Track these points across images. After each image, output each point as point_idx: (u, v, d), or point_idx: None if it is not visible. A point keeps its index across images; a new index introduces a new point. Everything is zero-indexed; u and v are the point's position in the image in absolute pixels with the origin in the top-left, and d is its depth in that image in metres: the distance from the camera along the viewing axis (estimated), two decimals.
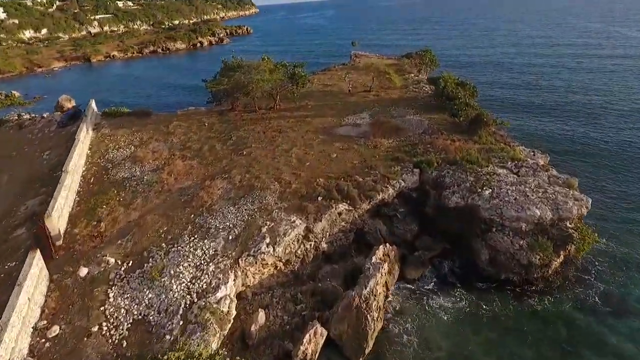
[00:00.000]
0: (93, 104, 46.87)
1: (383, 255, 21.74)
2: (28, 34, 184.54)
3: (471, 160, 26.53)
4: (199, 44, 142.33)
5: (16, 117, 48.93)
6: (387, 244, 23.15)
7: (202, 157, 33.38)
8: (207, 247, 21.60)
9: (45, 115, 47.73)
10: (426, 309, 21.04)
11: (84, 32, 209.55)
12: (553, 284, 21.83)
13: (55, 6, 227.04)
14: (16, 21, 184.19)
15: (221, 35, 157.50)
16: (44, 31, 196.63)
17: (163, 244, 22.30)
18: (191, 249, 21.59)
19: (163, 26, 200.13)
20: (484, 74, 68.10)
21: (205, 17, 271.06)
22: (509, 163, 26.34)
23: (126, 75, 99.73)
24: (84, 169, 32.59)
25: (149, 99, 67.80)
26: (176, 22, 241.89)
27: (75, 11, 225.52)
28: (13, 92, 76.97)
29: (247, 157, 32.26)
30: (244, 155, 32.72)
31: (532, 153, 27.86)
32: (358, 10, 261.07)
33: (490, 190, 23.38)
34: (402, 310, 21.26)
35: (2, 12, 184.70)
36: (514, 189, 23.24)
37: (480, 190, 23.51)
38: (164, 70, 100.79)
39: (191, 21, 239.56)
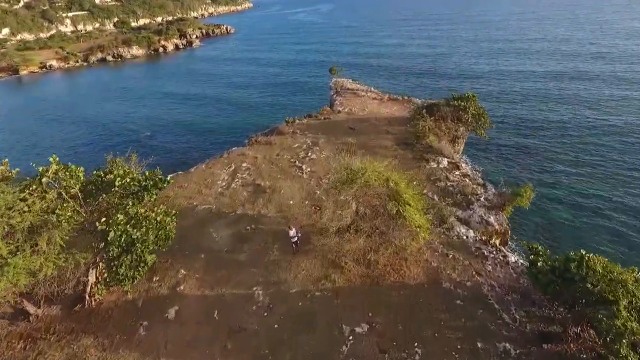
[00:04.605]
0: None
1: None
2: None
3: None
4: (161, 49, 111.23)
5: None
6: None
7: None
8: None
9: None
10: None
11: (53, 32, 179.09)
12: None
13: (22, 3, 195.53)
14: None
15: (193, 36, 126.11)
16: (5, 31, 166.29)
17: None
18: None
19: (128, 27, 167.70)
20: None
21: (192, 13, 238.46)
22: None
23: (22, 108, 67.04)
24: None
25: None
26: (159, 19, 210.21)
27: (44, 8, 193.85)
28: None
29: None
30: None
31: None
32: (356, 7, 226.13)
33: None
34: None
35: None
36: None
37: None
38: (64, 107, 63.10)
39: (175, 18, 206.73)
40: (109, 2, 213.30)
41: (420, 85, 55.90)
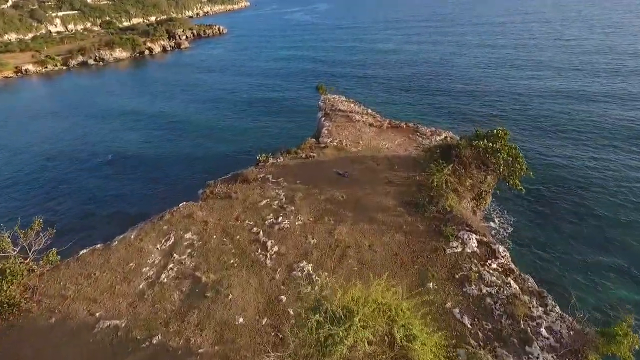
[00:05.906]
0: None
1: None
2: None
3: None
4: (147, 52, 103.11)
5: None
6: None
7: None
8: None
9: None
10: None
11: (42, 32, 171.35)
12: None
13: (10, 2, 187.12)
14: None
15: (183, 37, 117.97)
16: None
17: None
18: None
19: (115, 27, 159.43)
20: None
21: (187, 12, 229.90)
22: None
23: None
24: None
25: None
26: (152, 18, 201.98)
27: (33, 7, 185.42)
28: None
29: None
30: None
31: None
32: (356, 7, 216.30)
33: None
34: None
35: None
36: None
37: None
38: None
39: (166, 17, 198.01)
40: (101, 1, 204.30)
41: (423, 102, 48.04)
